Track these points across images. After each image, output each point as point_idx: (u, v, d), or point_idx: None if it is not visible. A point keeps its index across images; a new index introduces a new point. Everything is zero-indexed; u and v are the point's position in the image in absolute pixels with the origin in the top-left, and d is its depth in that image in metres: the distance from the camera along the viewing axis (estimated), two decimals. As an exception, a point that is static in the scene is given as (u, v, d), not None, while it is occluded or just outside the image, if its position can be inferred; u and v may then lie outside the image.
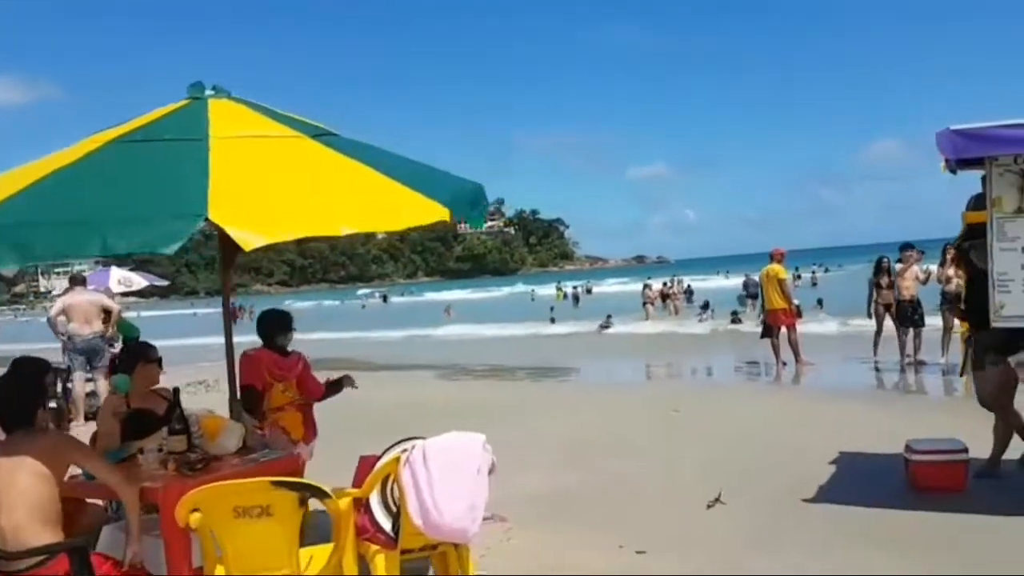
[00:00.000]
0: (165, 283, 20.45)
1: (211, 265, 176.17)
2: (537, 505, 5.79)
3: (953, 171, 5.51)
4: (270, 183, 3.21)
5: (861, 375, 12.10)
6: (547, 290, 54.21)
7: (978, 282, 5.31)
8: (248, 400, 4.70)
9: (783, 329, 13.37)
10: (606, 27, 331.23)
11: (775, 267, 13.50)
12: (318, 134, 3.75)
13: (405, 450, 3.41)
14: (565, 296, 46.51)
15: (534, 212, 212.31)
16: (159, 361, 4.69)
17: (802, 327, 13.73)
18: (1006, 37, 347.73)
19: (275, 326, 5.02)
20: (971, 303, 5.71)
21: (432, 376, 15.03)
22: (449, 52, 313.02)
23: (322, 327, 31.14)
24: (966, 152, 4.62)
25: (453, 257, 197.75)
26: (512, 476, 6.51)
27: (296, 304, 71.44)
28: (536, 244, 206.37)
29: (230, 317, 4.75)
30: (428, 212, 3.28)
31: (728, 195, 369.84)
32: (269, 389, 4.88)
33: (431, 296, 65.87)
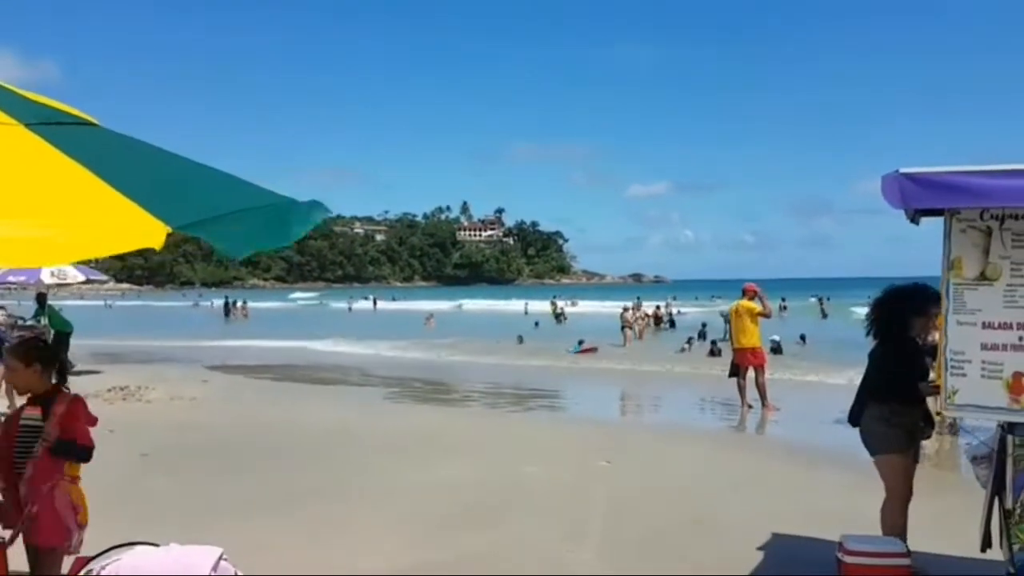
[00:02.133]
0: (105, 278, 19.46)
1: (208, 256, 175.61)
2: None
3: (913, 221, 4.57)
4: None
5: (835, 430, 11.14)
6: (541, 305, 52.97)
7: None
8: None
9: (751, 370, 12.59)
10: (615, 46, 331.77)
11: (746, 303, 12.76)
12: (46, 122, 2.81)
13: (90, 571, 2.45)
14: (562, 313, 45.24)
15: (534, 224, 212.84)
16: None
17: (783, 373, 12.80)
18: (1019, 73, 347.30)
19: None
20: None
21: (374, 397, 14.15)
22: (455, 61, 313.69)
23: (300, 332, 30.19)
24: (917, 201, 3.65)
25: (451, 263, 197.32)
26: (368, 548, 5.56)
27: (275, 304, 70.59)
28: (534, 256, 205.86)
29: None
30: (133, 236, 2.35)
31: (728, 218, 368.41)
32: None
33: (419, 304, 64.73)
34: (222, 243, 2.81)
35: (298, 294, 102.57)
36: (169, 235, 2.66)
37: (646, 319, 30.33)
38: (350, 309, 62.52)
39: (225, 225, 2.77)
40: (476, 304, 67.69)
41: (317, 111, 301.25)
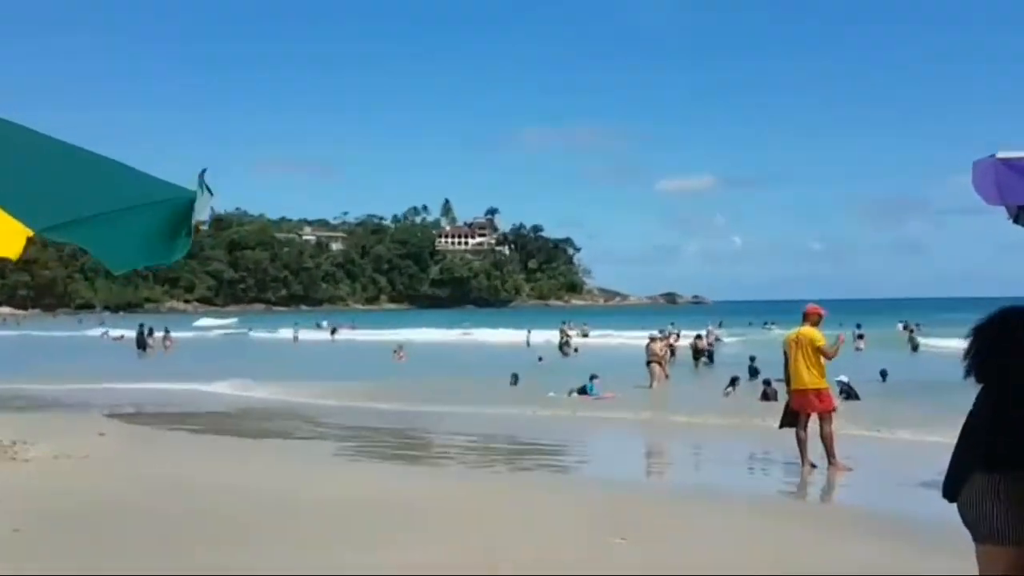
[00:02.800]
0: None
1: (111, 273, 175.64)
2: None
3: (1018, 221, 4.52)
4: None
5: (927, 499, 11.08)
6: (547, 335, 52.94)
7: None
8: None
9: (813, 418, 12.59)
10: (642, 5, 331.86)
11: (808, 330, 12.82)
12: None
13: None
14: (567, 343, 45.05)
15: (536, 229, 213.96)
16: None
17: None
18: None
19: None
20: None
21: (322, 454, 14.10)
22: (440, 24, 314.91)
23: (231, 370, 30.08)
24: (1019, 196, 3.62)
25: (428, 280, 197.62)
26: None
27: (188, 334, 70.57)
28: (536, 270, 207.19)
29: None
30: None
31: (788, 221, 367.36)
32: None
33: (386, 333, 64.56)
34: (101, 252, 2.89)
35: (208, 320, 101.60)
36: (31, 240, 2.69)
37: (667, 349, 30.27)
38: (296, 339, 62.51)
39: (102, 228, 2.78)
40: (460, 334, 67.87)
41: (257, 86, 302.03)
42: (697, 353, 35.70)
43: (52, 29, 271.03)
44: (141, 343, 49.11)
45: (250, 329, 79.71)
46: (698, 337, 37.39)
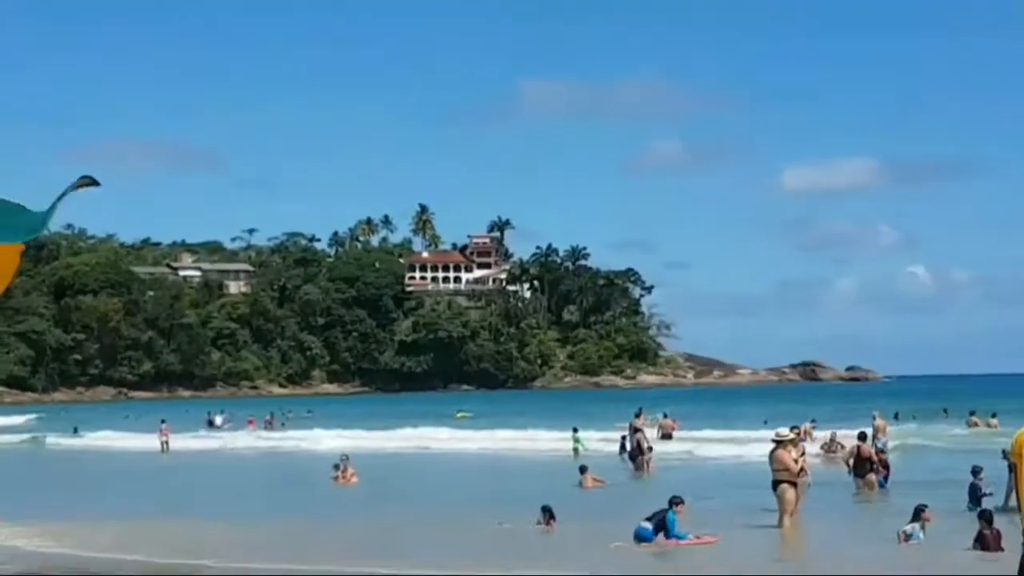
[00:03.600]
0: None
1: None
2: None
3: None
4: None
5: None
6: (601, 436, 52.63)
7: None
8: None
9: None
10: None
11: (1047, 429, 12.41)
12: None
13: None
14: (639, 447, 44.60)
15: (576, 254, 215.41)
16: None
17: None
18: None
19: None
20: None
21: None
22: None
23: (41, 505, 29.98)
24: None
25: (392, 343, 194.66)
26: None
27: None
28: (578, 324, 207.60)
29: None
30: None
31: (1010, 236, 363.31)
32: None
33: (317, 438, 64.60)
34: None
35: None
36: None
37: (802, 461, 29.80)
38: (165, 446, 62.20)
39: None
40: (447, 436, 68.10)
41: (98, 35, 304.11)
42: (861, 466, 35.22)
43: None
44: None
45: (76, 429, 79.01)
46: (862, 437, 36.98)
